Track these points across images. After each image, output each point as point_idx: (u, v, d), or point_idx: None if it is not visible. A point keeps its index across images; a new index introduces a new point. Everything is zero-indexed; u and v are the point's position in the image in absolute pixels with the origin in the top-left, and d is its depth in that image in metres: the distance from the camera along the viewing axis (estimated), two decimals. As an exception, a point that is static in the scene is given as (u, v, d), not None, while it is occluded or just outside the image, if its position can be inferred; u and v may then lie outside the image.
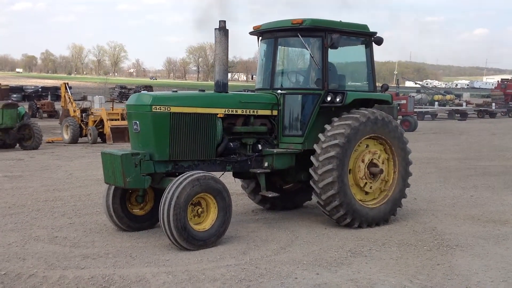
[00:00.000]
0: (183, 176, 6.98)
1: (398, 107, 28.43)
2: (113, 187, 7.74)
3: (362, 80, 9.25)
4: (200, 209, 7.14)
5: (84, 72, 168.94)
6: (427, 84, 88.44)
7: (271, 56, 8.75)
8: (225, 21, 7.99)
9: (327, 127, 8.13)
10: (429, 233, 8.03)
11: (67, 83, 25.77)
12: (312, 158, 8.06)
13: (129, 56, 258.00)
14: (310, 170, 8.06)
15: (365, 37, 8.88)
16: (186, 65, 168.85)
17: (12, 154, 18.30)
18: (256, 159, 8.27)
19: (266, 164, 8.27)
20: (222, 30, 7.98)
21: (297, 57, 9.47)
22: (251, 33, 9.14)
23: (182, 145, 7.55)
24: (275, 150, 8.29)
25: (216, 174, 7.54)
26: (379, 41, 8.88)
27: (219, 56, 8.05)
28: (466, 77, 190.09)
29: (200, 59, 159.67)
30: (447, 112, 46.29)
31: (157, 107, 7.33)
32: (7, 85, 55.31)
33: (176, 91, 8.10)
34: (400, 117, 29.78)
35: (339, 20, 8.60)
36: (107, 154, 7.49)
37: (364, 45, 8.94)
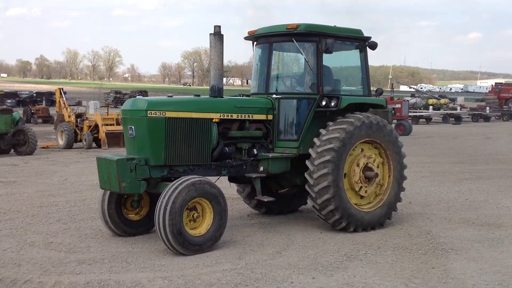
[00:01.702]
0: (178, 181, 6.99)
1: (393, 111, 28.47)
2: (108, 192, 7.73)
3: (356, 84, 9.28)
4: (196, 214, 7.14)
5: (79, 77, 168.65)
6: (421, 88, 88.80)
7: (266, 61, 8.78)
8: (220, 26, 8.02)
9: (322, 131, 8.15)
10: (424, 236, 8.06)
11: (62, 88, 25.73)
12: (307, 162, 8.08)
13: (124, 61, 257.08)
14: (306, 175, 8.08)
15: (360, 41, 8.91)
16: (181, 70, 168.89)
17: (7, 159, 18.23)
18: (252, 163, 8.29)
19: (261, 169, 8.28)
20: (217, 35, 7.99)
21: (292, 62, 9.50)
22: (246, 38, 9.17)
23: (178, 150, 7.55)
24: (270, 155, 8.30)
25: (212, 179, 7.55)
26: (373, 46, 8.92)
27: (214, 61, 8.07)
28: (460, 81, 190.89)
29: (195, 64, 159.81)
30: (442, 116, 46.42)
31: (152, 112, 7.34)
32: (2, 91, 55.20)
33: (172, 96, 8.11)
34: (395, 121, 29.86)
35: (333, 25, 8.65)
36: (103, 159, 7.48)
37: (358, 50, 8.97)
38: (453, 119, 45.37)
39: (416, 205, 10.48)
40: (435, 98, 52.16)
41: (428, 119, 44.96)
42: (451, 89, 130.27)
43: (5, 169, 15.76)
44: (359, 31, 8.88)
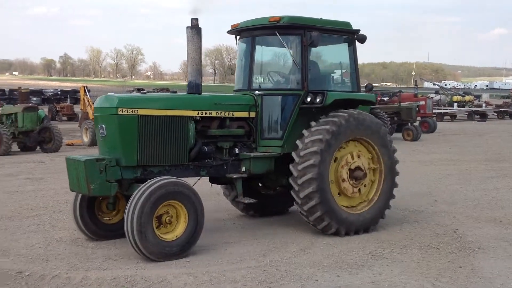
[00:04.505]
0: (147, 183, 6.57)
1: (417, 108, 28.14)
2: (80, 195, 7.33)
3: (345, 79, 8.76)
4: (168, 218, 6.70)
5: (102, 75, 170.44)
6: (445, 85, 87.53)
7: (249, 56, 8.31)
8: (197, 19, 7.57)
9: (305, 133, 7.68)
10: (450, 235, 7.95)
11: (86, 86, 26.02)
12: (291, 167, 7.62)
13: (146, 59, 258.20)
14: (290, 180, 7.64)
15: (348, 35, 8.42)
16: (202, 68, 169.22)
17: (33, 156, 18.55)
18: (233, 163, 7.87)
19: (243, 169, 7.85)
20: (195, 28, 7.55)
21: (276, 57, 8.97)
22: (229, 32, 8.70)
23: (151, 149, 7.13)
24: (252, 154, 7.87)
25: (192, 180, 7.28)
26: (362, 39, 8.43)
27: (192, 55, 7.60)
28: (485, 77, 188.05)
29: (216, 62, 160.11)
30: (467, 113, 45.76)
31: (124, 109, 6.91)
32: (27, 89, 55.98)
33: (145, 92, 7.79)
34: (419, 118, 29.53)
35: (319, 18, 8.23)
36: (71, 160, 7.05)
37: (346, 44, 8.49)
38: (478, 116, 44.64)
39: (441, 203, 10.35)
40: (459, 95, 51.41)
41: (453, 116, 44.37)
42: (476, 85, 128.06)
43: (32, 166, 16.03)
44: (347, 24, 8.42)
